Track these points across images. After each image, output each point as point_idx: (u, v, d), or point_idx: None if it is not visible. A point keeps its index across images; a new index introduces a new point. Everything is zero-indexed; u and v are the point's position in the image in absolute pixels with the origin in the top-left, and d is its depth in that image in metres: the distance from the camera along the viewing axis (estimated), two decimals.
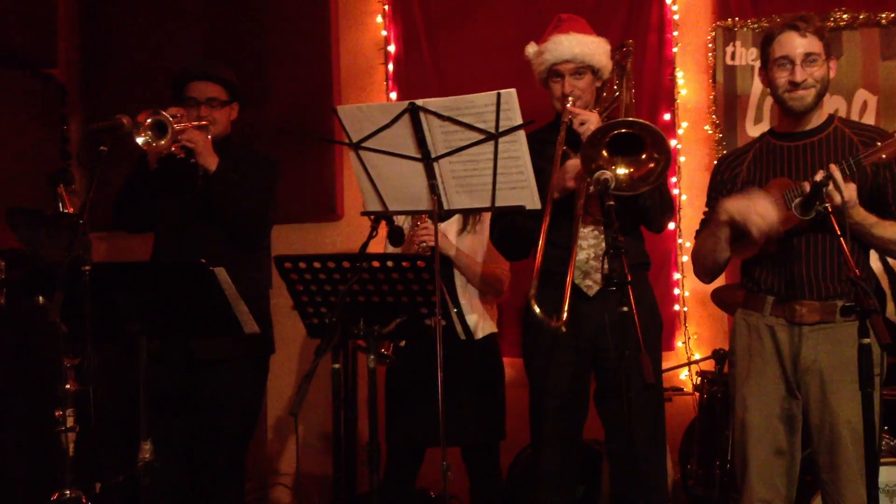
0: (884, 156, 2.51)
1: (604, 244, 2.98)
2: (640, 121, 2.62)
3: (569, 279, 2.89)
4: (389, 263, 2.60)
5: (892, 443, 3.26)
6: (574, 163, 2.91)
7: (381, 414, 2.82)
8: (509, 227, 3.08)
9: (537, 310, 2.78)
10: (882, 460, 3.04)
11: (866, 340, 2.23)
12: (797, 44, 2.68)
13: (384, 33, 4.99)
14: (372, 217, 2.74)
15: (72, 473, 2.57)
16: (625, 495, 2.97)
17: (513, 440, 3.68)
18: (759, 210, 2.61)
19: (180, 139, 3.25)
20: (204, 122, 3.39)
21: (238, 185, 3.35)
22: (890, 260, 4.00)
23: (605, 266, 2.32)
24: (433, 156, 2.59)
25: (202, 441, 3.41)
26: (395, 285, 2.64)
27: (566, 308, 2.78)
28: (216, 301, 2.70)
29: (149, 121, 3.17)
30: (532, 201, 2.61)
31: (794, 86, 2.68)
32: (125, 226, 3.54)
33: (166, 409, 3.31)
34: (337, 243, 4.94)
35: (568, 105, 2.99)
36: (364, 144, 2.63)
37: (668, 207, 3.03)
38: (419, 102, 2.53)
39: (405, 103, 2.54)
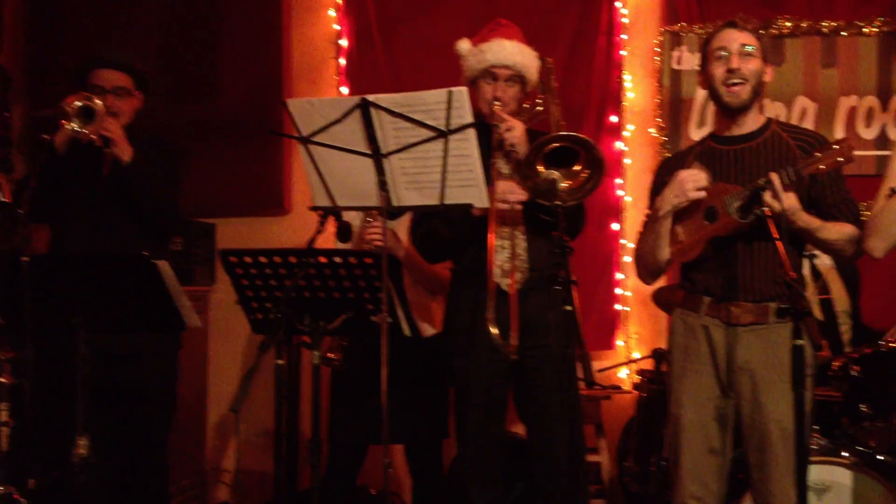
0: (822, 167, 2.56)
1: (524, 244, 3.03)
2: (582, 136, 2.65)
3: (512, 278, 2.94)
4: (337, 259, 2.60)
5: (821, 442, 3.35)
6: (504, 185, 2.95)
7: (324, 411, 2.82)
8: (428, 233, 3.11)
9: (494, 332, 2.82)
10: (812, 459, 3.13)
11: (799, 342, 2.28)
12: (734, 37, 2.75)
13: (336, 27, 4.97)
14: (320, 212, 2.74)
15: (4, 469, 2.51)
16: (548, 492, 3.01)
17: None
18: (688, 177, 2.70)
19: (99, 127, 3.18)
20: (113, 111, 3.31)
21: (151, 174, 3.30)
22: (820, 266, 4.13)
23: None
24: (383, 152, 2.60)
25: (122, 435, 3.35)
26: (341, 281, 2.64)
27: (514, 334, 2.84)
28: (159, 295, 2.67)
29: (77, 104, 3.12)
30: (480, 199, 2.63)
31: (731, 73, 2.73)
32: (34, 215, 3.36)
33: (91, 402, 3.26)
34: (284, 238, 4.91)
35: (496, 109, 3.03)
36: (314, 139, 2.62)
37: (584, 216, 3.07)
38: (370, 98, 2.53)
39: (356, 98, 2.54)
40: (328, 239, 2.96)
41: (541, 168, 2.67)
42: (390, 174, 2.62)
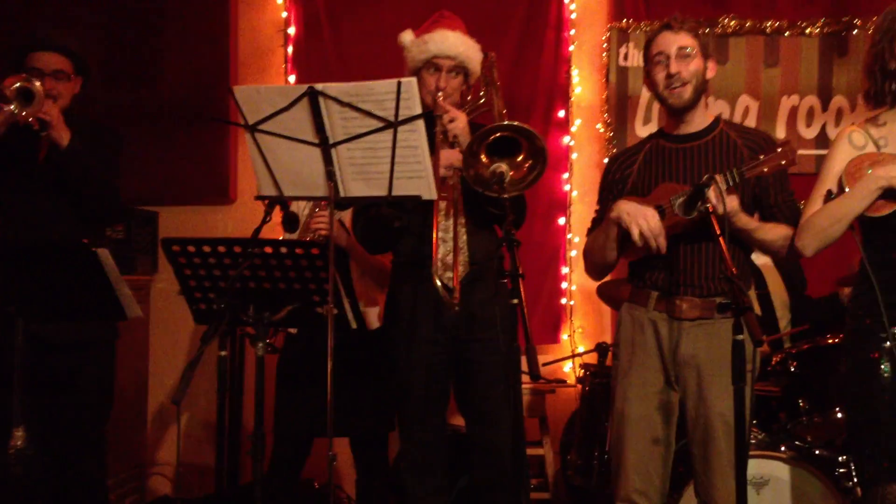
0: (765, 169, 2.61)
1: (465, 236, 3.04)
2: (524, 126, 2.65)
3: (455, 269, 2.92)
4: (282, 249, 2.57)
5: (760, 436, 3.41)
6: (448, 153, 2.96)
7: (268, 403, 2.79)
8: (374, 219, 3.08)
9: (439, 283, 2.81)
10: (751, 453, 3.18)
11: (740, 337, 2.30)
12: (670, 40, 2.78)
13: (284, 14, 4.92)
14: (266, 202, 2.70)
15: None
16: (489, 484, 3.03)
17: None
18: (646, 217, 2.69)
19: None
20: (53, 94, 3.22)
21: (89, 159, 3.23)
22: (759, 263, 4.20)
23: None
24: (331, 142, 2.56)
25: (58, 425, 3.28)
26: (287, 272, 2.61)
27: (457, 286, 2.82)
28: (99, 283, 2.61)
29: (16, 85, 3.03)
30: (429, 191, 2.61)
31: (671, 78, 2.76)
32: None
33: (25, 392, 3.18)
34: (229, 228, 4.85)
35: (439, 100, 3.03)
36: (260, 127, 2.58)
37: (524, 208, 3.08)
38: (319, 87, 2.50)
39: (304, 87, 2.50)
40: (274, 229, 2.93)
41: (484, 158, 2.67)
42: (338, 164, 2.59)
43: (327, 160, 2.58)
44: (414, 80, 2.48)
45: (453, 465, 3.26)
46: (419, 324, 2.99)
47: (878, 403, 2.49)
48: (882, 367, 2.49)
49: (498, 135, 2.64)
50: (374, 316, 3.55)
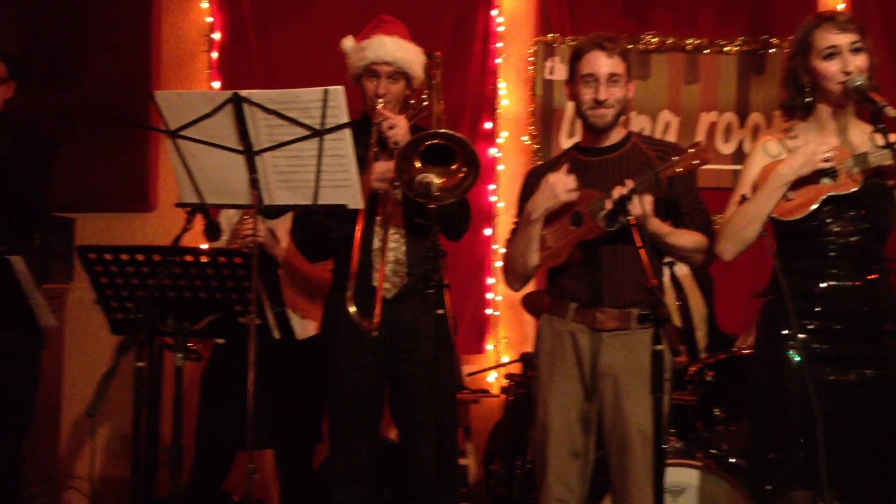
0: (679, 169, 2.65)
1: (404, 248, 3.04)
2: (455, 133, 2.68)
3: (380, 281, 2.94)
4: (203, 258, 2.52)
5: (677, 445, 3.47)
6: (383, 165, 2.95)
7: (189, 415, 2.74)
8: (313, 227, 3.06)
9: (353, 310, 2.81)
10: (668, 461, 3.24)
11: (659, 347, 2.35)
12: (602, 63, 2.81)
13: (209, 20, 4.84)
14: (187, 209, 2.65)
15: None
16: (421, 496, 3.02)
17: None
18: (558, 180, 2.76)
19: None
20: None
21: (19, 164, 3.15)
22: (678, 274, 4.29)
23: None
24: (255, 149, 2.54)
25: None
26: (208, 281, 2.56)
27: (377, 312, 2.84)
28: (11, 291, 2.53)
29: None
30: (355, 201, 2.60)
31: (598, 103, 2.81)
32: None
33: None
34: (148, 236, 4.74)
35: (379, 106, 3.02)
36: (182, 133, 2.54)
37: (468, 216, 3.12)
38: (243, 93, 2.47)
39: (228, 93, 2.47)
40: (196, 238, 2.88)
41: (417, 164, 2.67)
42: (263, 172, 2.56)
43: (251, 168, 2.55)
44: (341, 88, 2.47)
45: (382, 475, 3.24)
46: (355, 333, 2.97)
47: (788, 407, 2.55)
48: (791, 370, 2.55)
49: (433, 142, 2.65)
50: (305, 325, 3.51)
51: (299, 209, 2.63)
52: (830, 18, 2.58)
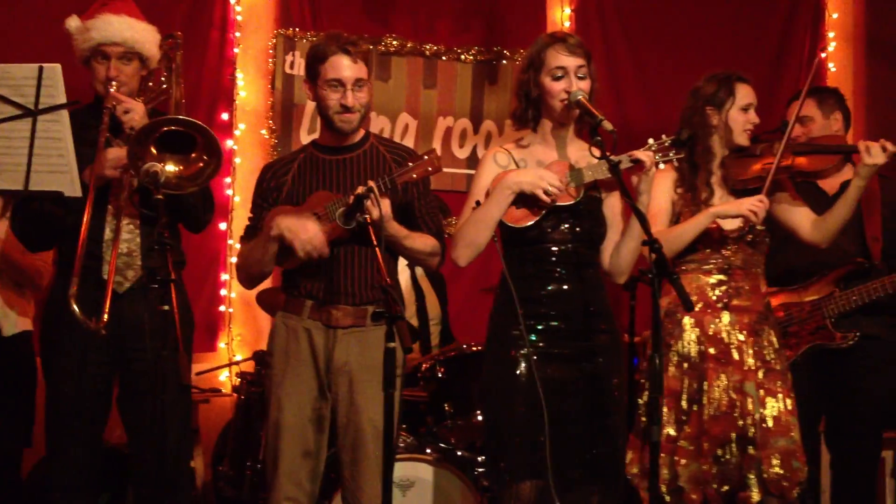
0: (415, 175, 2.75)
1: (139, 239, 2.92)
2: (194, 120, 2.60)
3: (110, 273, 2.79)
4: None
5: (408, 440, 3.56)
6: (115, 151, 2.81)
7: None
8: (36, 214, 2.85)
9: (77, 310, 2.65)
10: (398, 456, 3.31)
11: (392, 344, 2.40)
12: (349, 68, 2.80)
13: None
14: None
15: None
16: (149, 501, 2.91)
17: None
18: (308, 231, 2.71)
19: None
20: None
21: None
22: (419, 277, 4.42)
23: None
24: None
25: None
26: None
27: (107, 308, 2.69)
28: None
29: None
30: (72, 188, 2.46)
31: (346, 109, 2.82)
32: None
33: None
34: None
35: (112, 90, 2.88)
36: None
37: (211, 208, 3.06)
38: None
39: None
40: None
41: (154, 151, 2.58)
42: None
43: None
44: (58, 66, 2.31)
45: (101, 480, 3.07)
46: (79, 331, 2.78)
47: (515, 402, 2.69)
48: (520, 369, 2.69)
49: (168, 128, 2.54)
50: (13, 321, 3.29)
51: (8, 195, 2.42)
52: (562, 40, 2.75)
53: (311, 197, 2.83)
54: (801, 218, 3.16)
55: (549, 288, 2.74)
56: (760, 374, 2.98)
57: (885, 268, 3.37)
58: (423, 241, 2.87)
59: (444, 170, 3.80)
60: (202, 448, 4.32)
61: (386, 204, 2.70)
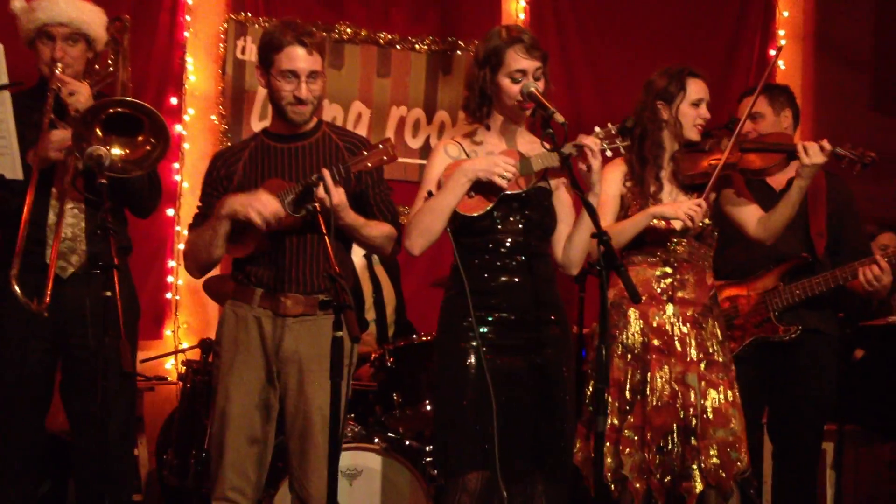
0: (369, 164, 2.74)
1: (83, 223, 2.87)
2: (140, 102, 2.57)
3: (53, 258, 2.75)
4: None
5: (356, 429, 3.55)
6: (60, 133, 2.77)
7: None
8: None
9: (18, 290, 2.64)
10: (346, 445, 3.31)
11: (339, 333, 2.38)
12: (303, 59, 2.76)
13: None
14: None
15: None
16: (91, 489, 2.89)
17: None
18: (261, 200, 2.69)
19: None
20: None
21: None
22: (376, 268, 4.40)
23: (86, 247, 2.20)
24: None
25: None
26: None
27: (49, 291, 2.67)
28: None
29: None
30: (13, 171, 2.43)
31: (299, 101, 2.78)
32: None
33: None
34: None
35: (57, 72, 2.84)
36: None
37: (158, 193, 3.04)
38: None
39: None
40: None
41: (99, 133, 2.55)
42: None
43: None
44: (0, 46, 2.24)
45: (42, 469, 3.06)
46: (21, 317, 2.76)
47: (465, 393, 2.69)
48: (469, 360, 2.70)
49: (114, 110, 2.50)
50: None
51: None
52: (520, 40, 2.74)
53: (264, 185, 2.79)
54: (747, 215, 3.20)
55: (501, 279, 2.75)
56: (703, 366, 3.01)
57: (828, 263, 3.43)
58: (379, 229, 2.86)
59: (399, 160, 3.79)
60: (146, 437, 4.28)
61: (340, 193, 2.68)
